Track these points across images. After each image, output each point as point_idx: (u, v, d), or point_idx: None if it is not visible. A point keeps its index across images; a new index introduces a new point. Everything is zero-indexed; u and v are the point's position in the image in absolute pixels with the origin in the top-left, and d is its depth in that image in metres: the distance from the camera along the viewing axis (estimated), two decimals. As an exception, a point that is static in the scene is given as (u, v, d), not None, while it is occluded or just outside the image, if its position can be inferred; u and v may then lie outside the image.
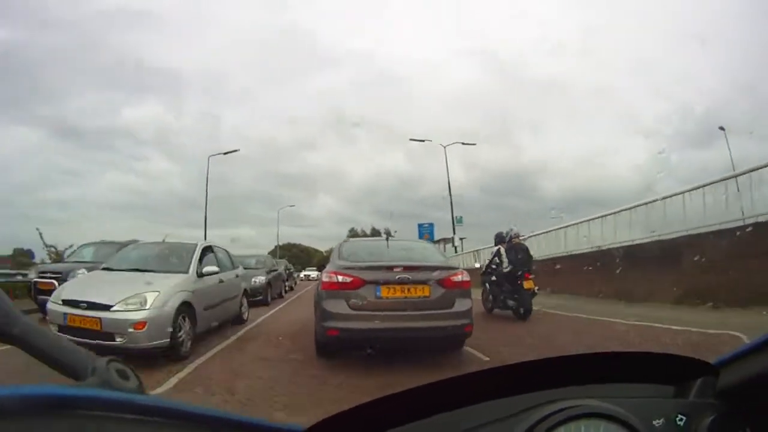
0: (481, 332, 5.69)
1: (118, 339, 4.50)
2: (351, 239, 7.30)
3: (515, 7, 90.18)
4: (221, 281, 6.59)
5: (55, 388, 0.41)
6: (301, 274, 32.95)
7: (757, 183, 8.41)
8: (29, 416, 0.39)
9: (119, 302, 4.65)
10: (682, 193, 10.19)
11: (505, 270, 8.58)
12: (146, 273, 5.49)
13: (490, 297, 9.14)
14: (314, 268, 33.42)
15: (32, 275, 8.23)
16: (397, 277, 4.66)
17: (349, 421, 0.67)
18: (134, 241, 7.71)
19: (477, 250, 21.02)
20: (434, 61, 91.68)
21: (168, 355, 4.81)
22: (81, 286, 5.31)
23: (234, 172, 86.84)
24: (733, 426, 0.72)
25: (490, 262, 9.25)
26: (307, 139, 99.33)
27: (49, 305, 4.95)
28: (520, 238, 9.28)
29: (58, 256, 11.91)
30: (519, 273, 8.26)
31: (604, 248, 12.35)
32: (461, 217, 25.98)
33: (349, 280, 4.69)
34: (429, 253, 5.68)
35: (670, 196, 10.61)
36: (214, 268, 6.24)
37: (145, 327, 4.57)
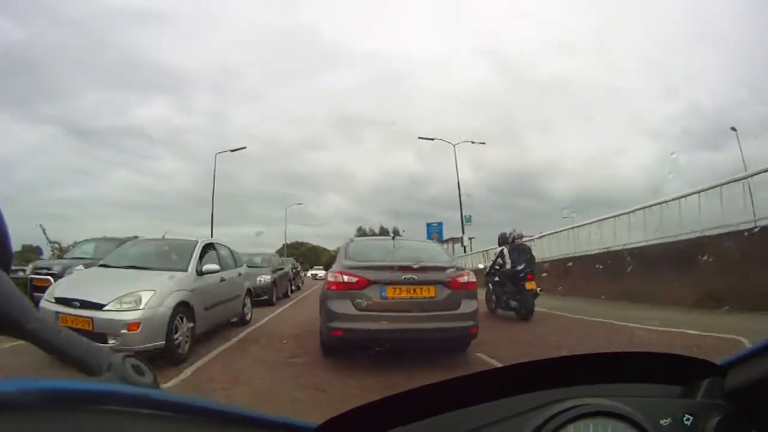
0: (485, 333, 5.63)
1: (110, 340, 4.25)
2: (357, 239, 7.17)
3: (524, 7, 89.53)
4: (222, 280, 6.35)
5: (73, 382, 0.41)
6: (309, 273, 32.67)
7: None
8: (47, 410, 0.39)
9: (112, 301, 4.41)
10: (698, 192, 9.89)
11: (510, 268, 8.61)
12: (143, 271, 5.28)
13: (494, 297, 9.17)
14: (321, 267, 33.27)
15: (28, 271, 8.04)
16: (402, 277, 4.62)
17: (360, 418, 0.68)
18: (135, 238, 7.49)
19: (486, 251, 20.69)
20: (443, 60, 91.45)
21: (164, 358, 4.57)
22: (75, 284, 5.09)
23: (244, 171, 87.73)
24: (739, 427, 0.73)
25: (494, 263, 9.28)
26: (316, 139, 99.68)
27: (42, 303, 4.72)
28: (523, 239, 9.33)
29: (61, 253, 11.76)
30: (521, 274, 8.28)
31: (614, 249, 12.13)
32: (470, 216, 25.74)
33: (354, 280, 4.64)
34: (435, 254, 5.59)
35: (685, 196, 10.35)
36: (215, 267, 5.99)
37: (139, 328, 4.34)
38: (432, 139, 26.55)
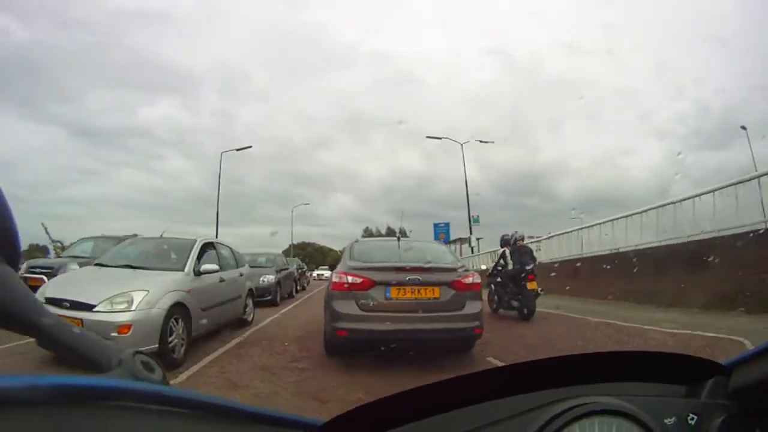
0: (489, 333, 5.59)
1: (100, 343, 4.01)
2: (362, 239, 7.10)
3: (533, 7, 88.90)
4: (222, 280, 6.13)
5: (82, 378, 0.41)
6: (314, 274, 32.48)
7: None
8: (56, 406, 0.38)
9: (103, 302, 4.20)
10: (713, 191, 9.64)
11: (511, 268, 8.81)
12: (138, 270, 5.06)
13: (496, 298, 9.32)
14: (326, 268, 33.09)
15: (22, 270, 7.85)
16: (407, 278, 4.62)
17: (364, 417, 0.68)
18: (133, 236, 7.28)
19: (494, 251, 20.43)
20: (452, 60, 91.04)
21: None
22: (67, 284, 4.89)
23: (251, 171, 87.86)
24: (743, 426, 0.73)
25: (496, 264, 9.51)
26: (324, 138, 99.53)
27: (32, 303, 4.51)
28: (525, 240, 9.57)
29: (63, 252, 11.63)
30: (523, 274, 8.42)
31: (623, 250, 12.00)
32: (478, 216, 25.40)
33: (359, 280, 4.64)
34: (440, 254, 5.58)
35: (695, 196, 10.17)
36: (214, 266, 5.77)
37: (130, 330, 4.11)
38: (440, 138, 26.28)
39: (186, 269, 5.32)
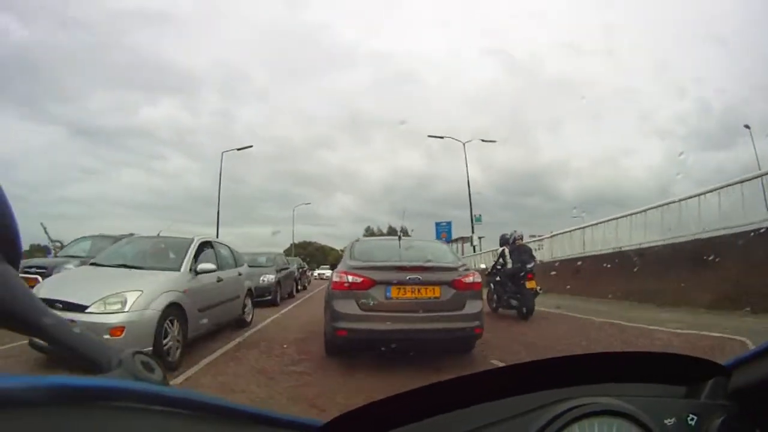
0: (489, 332, 5.52)
1: (92, 346, 3.92)
2: (363, 238, 7.06)
3: (534, 7, 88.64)
4: (220, 280, 6.02)
5: (81, 379, 0.41)
6: (315, 273, 32.40)
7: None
8: (55, 406, 0.38)
9: (95, 302, 4.10)
10: (718, 189, 9.57)
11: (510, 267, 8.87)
12: (133, 270, 4.96)
13: (495, 297, 9.36)
14: (327, 267, 33.00)
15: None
16: (407, 277, 4.60)
17: (366, 417, 0.68)
18: (130, 235, 7.18)
19: (495, 250, 20.36)
20: (453, 60, 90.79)
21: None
22: (60, 284, 4.78)
23: (252, 171, 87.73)
24: (743, 427, 0.73)
25: (495, 263, 9.55)
26: (325, 138, 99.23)
27: (25, 304, 4.42)
28: (523, 240, 9.61)
29: (61, 251, 11.52)
30: (522, 273, 8.46)
31: (624, 249, 11.97)
32: (480, 215, 25.32)
33: (359, 280, 4.62)
34: (441, 254, 5.54)
35: (696, 195, 10.12)
36: (211, 266, 5.65)
37: (123, 333, 4.01)
38: (441, 138, 26.20)
39: (182, 269, 5.22)
